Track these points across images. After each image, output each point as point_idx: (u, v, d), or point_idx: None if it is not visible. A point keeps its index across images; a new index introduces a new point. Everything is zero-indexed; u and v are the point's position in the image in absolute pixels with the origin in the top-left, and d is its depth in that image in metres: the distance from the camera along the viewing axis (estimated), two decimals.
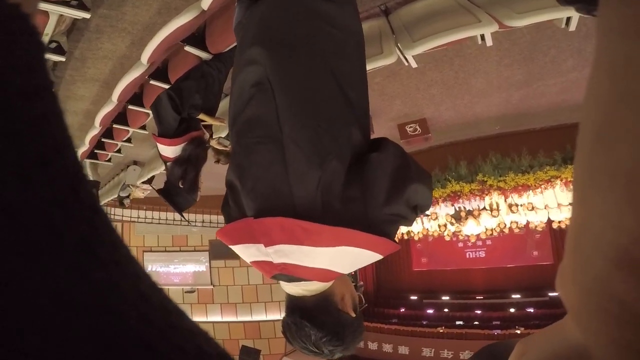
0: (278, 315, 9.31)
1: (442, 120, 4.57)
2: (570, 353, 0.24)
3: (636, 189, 0.17)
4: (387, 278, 9.61)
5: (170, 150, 1.97)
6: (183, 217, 2.20)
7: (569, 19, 1.98)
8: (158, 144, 1.99)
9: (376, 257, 0.78)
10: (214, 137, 2.43)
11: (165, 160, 2.07)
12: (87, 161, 4.75)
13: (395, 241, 0.76)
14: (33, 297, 0.10)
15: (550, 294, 7.93)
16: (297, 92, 0.80)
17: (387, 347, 7.35)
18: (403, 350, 7.20)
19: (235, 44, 1.85)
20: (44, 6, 1.75)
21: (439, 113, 4.36)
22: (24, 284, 0.10)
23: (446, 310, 8.46)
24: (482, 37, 2.23)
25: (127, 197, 6.44)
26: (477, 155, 5.16)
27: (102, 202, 7.41)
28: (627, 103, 0.18)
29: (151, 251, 10.06)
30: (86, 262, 0.12)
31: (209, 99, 2.10)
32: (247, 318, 9.43)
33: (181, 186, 1.96)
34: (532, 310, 7.65)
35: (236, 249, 0.87)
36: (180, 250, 10.01)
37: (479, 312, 8.05)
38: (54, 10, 1.78)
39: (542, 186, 4.94)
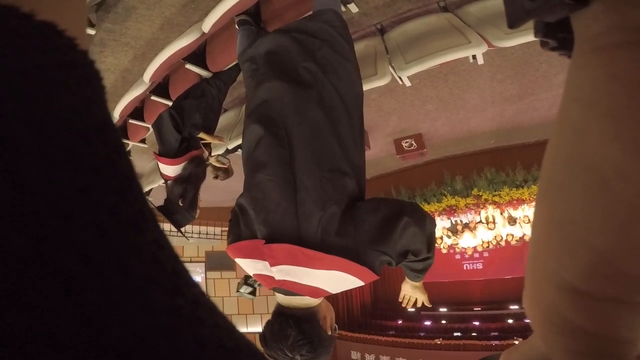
0: (260, 327, 9.29)
1: (438, 136, 4.64)
2: None
3: (567, 232, 0.22)
4: (384, 290, 9.55)
5: (171, 169, 2.02)
6: (181, 232, 2.23)
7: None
8: (159, 162, 2.03)
9: (358, 282, 0.95)
10: (212, 154, 2.48)
11: (165, 178, 2.11)
12: None
13: (375, 272, 0.92)
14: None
15: None
16: (308, 144, 0.99)
17: (384, 359, 7.28)
18: None
19: (235, 62, 1.92)
20: None
21: (434, 128, 4.43)
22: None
23: (444, 321, 8.39)
24: (474, 56, 2.30)
25: None
26: (472, 169, 5.22)
27: None
28: (565, 166, 0.23)
29: None
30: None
31: (208, 117, 2.16)
32: (243, 329, 9.36)
33: (181, 204, 2.00)
34: (530, 321, 7.61)
35: (243, 262, 1.05)
36: None
37: (476, 323, 7.98)
38: None
39: None
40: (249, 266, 1.04)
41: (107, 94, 0.16)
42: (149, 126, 3.06)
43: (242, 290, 3.90)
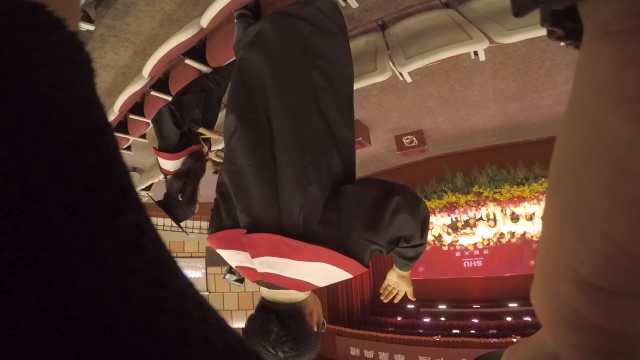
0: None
1: (439, 132, 4.62)
2: (546, 359, 0.28)
3: (582, 222, 0.21)
4: None
5: (171, 164, 2.02)
6: (180, 227, 2.22)
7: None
8: (159, 157, 2.03)
9: (346, 275, 0.88)
10: (212, 149, 2.47)
11: (165, 173, 2.11)
12: None
13: (363, 264, 0.84)
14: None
15: None
16: (289, 126, 0.91)
17: (383, 356, 7.30)
18: (399, 358, 7.15)
19: (234, 58, 1.90)
20: None
21: (435, 125, 4.42)
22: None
23: (443, 319, 8.39)
24: (475, 52, 2.28)
25: None
26: (473, 166, 5.20)
27: None
28: (578, 153, 0.22)
29: None
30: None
31: (208, 112, 2.15)
32: (243, 325, 9.44)
33: (180, 199, 2.00)
34: (529, 319, 7.63)
35: (225, 253, 0.99)
36: (176, 257, 9.97)
37: (475, 320, 8.00)
38: None
39: (538, 198, 4.99)
40: (231, 258, 0.98)
41: (96, 77, 0.16)
42: (149, 121, 3.05)
43: (227, 277, 3.89)
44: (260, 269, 0.90)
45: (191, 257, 10.01)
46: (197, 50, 2.08)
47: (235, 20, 1.60)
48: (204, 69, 2.17)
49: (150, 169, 4.92)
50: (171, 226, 9.24)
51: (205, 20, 1.65)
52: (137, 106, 3.00)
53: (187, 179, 2.01)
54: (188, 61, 2.08)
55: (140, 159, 5.02)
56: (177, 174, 2.02)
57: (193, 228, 9.44)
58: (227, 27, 1.83)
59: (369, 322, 8.40)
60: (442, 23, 2.22)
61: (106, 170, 0.13)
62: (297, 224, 0.85)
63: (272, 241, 0.85)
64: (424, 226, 0.92)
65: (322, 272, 0.87)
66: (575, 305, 0.22)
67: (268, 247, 0.86)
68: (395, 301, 1.27)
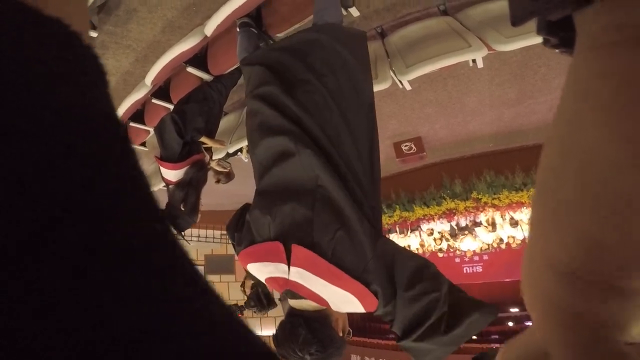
0: (273, 330, 9.20)
1: (437, 139, 4.65)
2: (537, 354, 0.30)
3: (561, 216, 0.23)
4: None
5: (173, 174, 2.03)
6: (182, 236, 2.23)
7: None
8: (161, 167, 2.04)
9: (360, 309, 0.96)
10: (213, 158, 2.49)
11: (167, 183, 2.12)
12: None
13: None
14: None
15: None
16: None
17: None
18: None
19: (236, 65, 1.93)
20: None
21: (433, 131, 4.45)
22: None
23: None
24: (474, 60, 2.31)
25: None
26: (472, 172, 5.22)
27: None
28: (560, 154, 0.24)
29: None
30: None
31: (210, 121, 2.17)
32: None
33: (182, 209, 2.01)
34: (530, 323, 7.60)
35: (254, 266, 1.05)
36: None
37: None
38: None
39: None
40: (260, 271, 1.05)
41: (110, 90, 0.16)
42: (150, 129, 3.07)
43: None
44: (292, 278, 0.97)
45: None
46: (198, 58, 2.11)
47: (238, 29, 1.64)
48: (205, 77, 2.19)
49: (149, 177, 4.92)
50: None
51: (210, 28, 1.68)
52: (137, 114, 3.02)
53: (190, 188, 2.02)
54: (190, 69, 2.11)
55: (146, 167, 5.03)
56: (179, 184, 2.03)
57: (192, 236, 9.40)
58: (228, 35, 1.86)
59: (369, 329, 8.34)
60: (440, 31, 2.25)
61: (133, 185, 0.13)
62: (327, 249, 0.92)
63: (313, 260, 0.92)
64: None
65: (344, 299, 0.94)
66: (557, 294, 0.23)
67: (306, 262, 0.93)
68: None
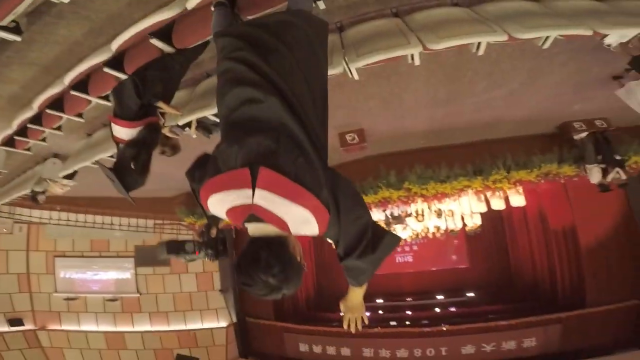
0: (216, 323, 8.99)
1: (378, 132, 5.05)
2: None
3: None
4: (326, 283, 9.94)
5: (126, 132, 2.06)
6: (129, 197, 2.19)
7: (479, 44, 2.46)
8: (113, 124, 2.06)
9: (315, 230, 1.07)
10: (166, 124, 2.51)
11: (117, 141, 2.13)
12: (3, 149, 4.26)
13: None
14: None
15: (468, 294, 9.01)
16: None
17: (331, 350, 7.64)
18: (345, 351, 7.55)
19: (201, 41, 2.02)
20: None
21: (375, 125, 4.82)
22: None
23: (381, 312, 8.94)
24: (412, 56, 2.65)
25: (43, 192, 5.85)
26: (405, 166, 5.76)
27: (9, 199, 6.57)
28: None
29: (64, 256, 9.09)
30: None
31: (168, 89, 2.21)
32: (181, 327, 8.98)
33: (133, 167, 2.01)
34: (454, 309, 8.49)
35: (215, 197, 1.08)
36: (100, 256, 9.21)
37: (409, 312, 8.66)
38: None
39: (457, 194, 5.74)
40: (222, 201, 1.07)
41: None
42: (90, 99, 2.94)
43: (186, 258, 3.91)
44: (256, 201, 1.01)
45: (117, 256, 9.29)
46: (163, 30, 2.12)
47: (213, 8, 1.74)
48: (167, 49, 2.21)
49: (77, 154, 4.58)
50: (94, 223, 8.55)
51: (193, 2, 1.73)
52: (81, 83, 2.87)
53: (142, 148, 2.04)
54: (154, 41, 2.12)
55: (65, 144, 4.64)
56: (131, 143, 2.04)
57: (120, 225, 8.81)
58: (200, 11, 1.92)
59: (315, 318, 8.64)
60: (389, 29, 2.57)
61: None
62: (290, 171, 1.01)
63: (278, 180, 1.00)
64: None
65: (303, 219, 1.03)
66: None
67: (271, 183, 1.00)
68: (357, 328, 1.40)
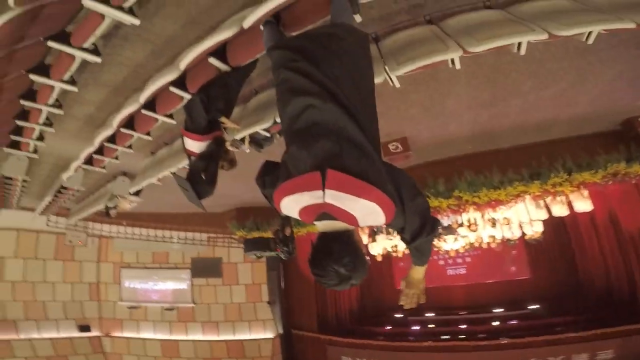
0: (262, 334, 9.24)
1: (421, 140, 5.03)
2: None
3: None
4: (371, 297, 9.80)
5: (197, 145, 2.34)
6: (201, 205, 2.48)
7: (519, 44, 2.45)
8: (185, 138, 2.34)
9: (382, 219, 1.16)
10: (227, 139, 2.79)
11: (189, 154, 2.42)
12: (83, 167, 4.74)
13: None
14: None
15: (530, 307, 8.33)
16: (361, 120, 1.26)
17: None
18: None
19: (253, 58, 2.24)
20: (100, 9, 1.98)
21: (417, 132, 4.82)
22: None
23: (431, 326, 8.55)
24: (453, 61, 2.70)
25: (114, 207, 6.49)
26: (453, 173, 5.60)
27: (86, 214, 7.30)
28: None
29: (129, 267, 9.92)
30: None
31: (228, 105, 2.49)
32: (230, 337, 9.30)
33: (204, 177, 2.30)
34: (515, 322, 7.87)
35: (289, 199, 1.20)
36: (160, 267, 9.91)
37: (463, 326, 8.18)
38: (110, 14, 1.99)
39: (513, 200, 5.43)
40: (296, 202, 1.18)
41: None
42: (158, 118, 3.29)
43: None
44: (327, 200, 1.13)
45: (175, 268, 9.95)
46: (218, 50, 2.40)
47: (262, 27, 1.96)
48: (224, 68, 2.48)
49: (144, 171, 5.04)
50: (155, 236, 9.23)
51: (249, 21, 1.96)
52: (149, 103, 3.21)
53: (210, 160, 2.31)
54: (212, 60, 2.39)
55: (134, 163, 5.12)
56: (201, 156, 2.32)
57: (178, 239, 9.44)
58: (249, 31, 2.16)
59: (358, 331, 8.53)
60: (425, 36, 2.66)
61: None
62: (355, 170, 1.12)
63: (345, 180, 1.11)
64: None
65: (370, 211, 1.13)
66: None
67: (339, 183, 1.11)
68: (414, 303, 1.43)
